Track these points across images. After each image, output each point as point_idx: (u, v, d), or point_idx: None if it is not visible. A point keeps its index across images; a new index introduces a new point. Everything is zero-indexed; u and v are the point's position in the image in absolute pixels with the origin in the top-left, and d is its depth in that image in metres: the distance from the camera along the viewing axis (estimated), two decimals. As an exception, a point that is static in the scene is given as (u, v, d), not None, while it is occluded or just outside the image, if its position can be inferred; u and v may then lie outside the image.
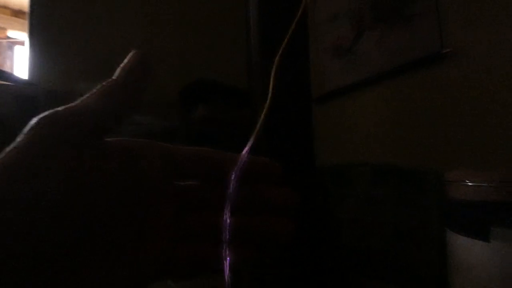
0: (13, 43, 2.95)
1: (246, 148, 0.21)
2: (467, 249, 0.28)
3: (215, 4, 1.38)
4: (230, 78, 1.09)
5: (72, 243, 0.16)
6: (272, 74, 0.25)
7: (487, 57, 0.69)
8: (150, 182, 0.20)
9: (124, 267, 0.18)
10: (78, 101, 0.19)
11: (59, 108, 0.18)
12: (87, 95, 0.19)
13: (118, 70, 0.20)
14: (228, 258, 0.20)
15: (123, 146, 0.20)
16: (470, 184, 0.28)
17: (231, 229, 0.20)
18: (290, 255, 0.58)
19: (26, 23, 1.38)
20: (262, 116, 0.23)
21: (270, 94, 0.23)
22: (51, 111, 0.17)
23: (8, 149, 0.16)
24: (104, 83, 0.19)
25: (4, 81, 1.04)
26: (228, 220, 0.20)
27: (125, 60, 0.21)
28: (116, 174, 0.18)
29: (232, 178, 0.20)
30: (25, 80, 1.16)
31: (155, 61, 0.22)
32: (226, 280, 0.19)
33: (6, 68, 2.75)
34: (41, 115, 0.17)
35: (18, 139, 0.16)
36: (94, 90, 0.19)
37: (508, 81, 0.66)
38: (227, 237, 0.20)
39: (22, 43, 2.84)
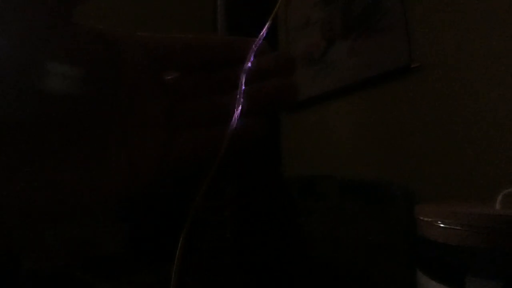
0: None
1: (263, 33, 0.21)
2: (439, 295, 0.26)
3: (182, 4, 1.34)
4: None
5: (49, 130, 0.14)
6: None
7: (454, 72, 0.69)
8: (133, 75, 0.18)
9: (113, 158, 0.17)
10: None
11: None
12: None
13: None
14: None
15: (97, 33, 0.17)
16: (442, 225, 0.26)
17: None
18: (254, 270, 0.56)
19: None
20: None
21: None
22: None
23: None
24: None
25: None
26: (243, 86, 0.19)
27: None
28: (91, 63, 0.16)
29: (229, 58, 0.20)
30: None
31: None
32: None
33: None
34: None
35: None
36: None
37: (474, 96, 0.66)
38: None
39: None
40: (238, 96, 0.19)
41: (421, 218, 0.28)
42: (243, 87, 0.20)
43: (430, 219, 0.27)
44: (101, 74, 0.17)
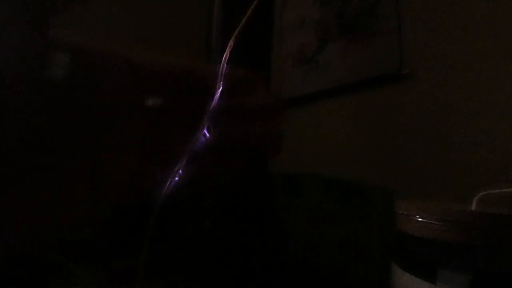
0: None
1: (224, 58, 0.19)
2: (412, 287, 0.27)
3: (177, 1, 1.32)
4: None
5: (21, 154, 0.13)
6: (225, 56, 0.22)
7: (445, 83, 0.71)
8: (110, 96, 0.17)
9: (80, 188, 0.16)
10: None
11: None
12: None
13: None
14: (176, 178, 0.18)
15: (80, 47, 0.16)
16: (420, 219, 0.27)
17: (217, 138, 0.18)
18: (232, 265, 0.56)
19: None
20: (233, 38, 0.21)
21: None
22: None
23: None
24: None
25: None
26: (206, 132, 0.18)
27: None
28: (72, 80, 0.15)
29: (215, 89, 0.19)
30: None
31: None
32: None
33: None
34: None
35: None
36: None
37: (464, 109, 0.68)
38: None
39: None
40: (200, 129, 0.18)
41: (400, 212, 0.29)
42: (213, 125, 0.19)
43: (408, 213, 0.28)
44: (75, 91, 0.16)
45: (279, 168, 0.81)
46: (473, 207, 0.28)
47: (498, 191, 0.28)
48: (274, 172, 0.77)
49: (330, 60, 0.97)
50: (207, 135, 0.18)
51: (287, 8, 1.14)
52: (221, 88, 0.19)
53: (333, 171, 0.89)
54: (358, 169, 0.84)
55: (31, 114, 0.14)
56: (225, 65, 0.19)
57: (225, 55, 0.20)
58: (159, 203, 0.18)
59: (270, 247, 0.70)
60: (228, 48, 0.20)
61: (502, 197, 0.28)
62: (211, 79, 0.19)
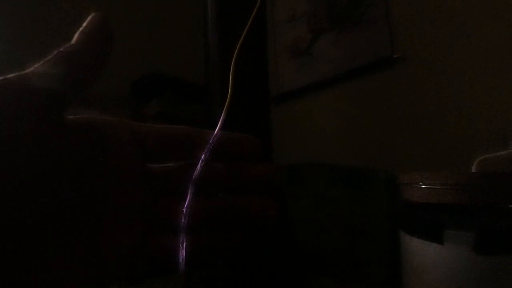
0: None
1: (218, 126, 0.19)
2: (421, 251, 0.29)
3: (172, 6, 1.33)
4: (186, 72, 1.05)
5: (21, 227, 0.14)
6: (232, 67, 0.23)
7: (435, 62, 0.73)
8: (118, 165, 0.18)
9: (83, 258, 0.16)
10: (30, 69, 0.16)
11: (10, 76, 0.15)
12: (41, 62, 0.16)
13: (76, 35, 0.17)
14: (183, 248, 0.18)
15: (87, 123, 0.17)
16: (423, 186, 0.28)
17: (207, 212, 0.19)
18: (243, 255, 0.57)
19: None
20: (224, 110, 0.21)
21: (230, 89, 0.21)
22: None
23: None
24: (60, 49, 0.17)
25: None
26: (189, 201, 0.18)
27: (84, 24, 0.18)
28: (79, 155, 0.16)
29: (202, 156, 0.18)
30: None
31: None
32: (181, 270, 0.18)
33: None
34: None
35: None
36: (50, 57, 0.16)
37: (455, 85, 0.69)
38: (185, 222, 0.18)
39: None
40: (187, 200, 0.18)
41: (404, 182, 0.31)
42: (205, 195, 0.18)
43: (411, 182, 0.29)
44: (86, 167, 0.16)
45: (281, 158, 0.83)
46: (473, 170, 0.30)
47: (494, 155, 0.30)
48: (279, 163, 0.79)
49: (324, 51, 0.99)
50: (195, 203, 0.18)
51: (277, 4, 1.16)
52: (211, 152, 0.19)
53: (335, 158, 0.91)
54: (359, 155, 0.86)
55: (43, 187, 0.14)
56: (218, 133, 0.19)
57: (221, 121, 0.19)
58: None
59: (280, 237, 0.71)
60: (224, 112, 0.20)
61: (498, 161, 0.30)
62: (214, 146, 0.19)
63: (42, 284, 0.14)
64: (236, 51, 0.25)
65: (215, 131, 0.19)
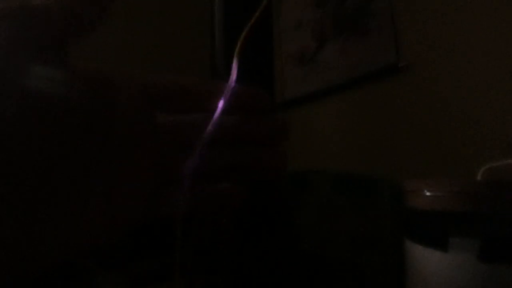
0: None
1: (233, 77, 0.19)
2: (425, 259, 0.28)
3: (179, 2, 1.34)
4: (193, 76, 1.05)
5: (31, 177, 0.13)
6: (235, 55, 0.23)
7: (441, 70, 0.73)
8: (128, 116, 0.17)
9: (95, 209, 0.16)
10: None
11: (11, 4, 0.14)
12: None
13: None
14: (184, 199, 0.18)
15: (96, 72, 0.17)
16: (428, 193, 0.28)
17: (217, 163, 0.18)
18: (246, 262, 0.57)
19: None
20: (235, 59, 0.21)
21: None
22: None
23: None
24: None
25: None
26: (198, 154, 0.18)
27: None
28: (85, 103, 0.15)
29: (217, 109, 0.18)
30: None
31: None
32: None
33: None
34: None
35: None
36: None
37: (461, 93, 0.69)
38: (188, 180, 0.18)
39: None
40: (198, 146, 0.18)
41: (409, 189, 0.31)
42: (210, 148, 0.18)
43: (416, 190, 0.29)
44: (94, 117, 0.16)
45: (289, 166, 0.83)
46: (478, 178, 0.30)
47: (499, 164, 0.30)
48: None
49: (329, 59, 0.99)
50: (203, 156, 0.18)
51: (283, 12, 1.17)
52: (224, 106, 0.19)
53: (339, 166, 0.91)
54: (364, 162, 0.86)
55: (56, 135, 0.14)
56: (232, 83, 0.19)
57: (232, 73, 0.19)
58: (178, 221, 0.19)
59: (283, 245, 0.71)
60: (234, 64, 0.20)
61: (504, 170, 0.30)
62: (219, 96, 0.19)
63: (56, 230, 0.15)
64: (238, 44, 0.25)
65: (228, 84, 0.19)
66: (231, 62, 0.27)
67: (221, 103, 0.18)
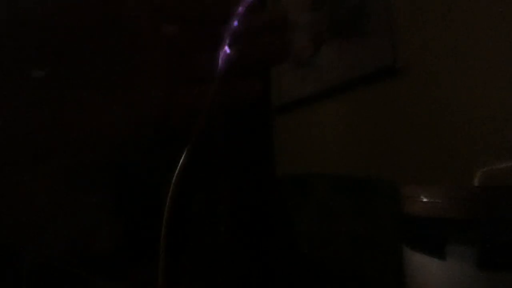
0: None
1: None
2: (423, 267, 0.28)
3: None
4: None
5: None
6: None
7: (438, 72, 0.73)
8: (134, 26, 0.19)
9: (117, 102, 0.18)
10: None
11: None
12: None
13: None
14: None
15: None
16: (425, 200, 0.28)
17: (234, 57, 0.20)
18: (245, 264, 0.56)
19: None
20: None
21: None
22: None
23: None
24: None
25: None
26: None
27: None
28: (92, 10, 0.17)
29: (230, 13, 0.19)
30: None
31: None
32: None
33: None
34: None
35: None
36: None
37: (458, 95, 0.69)
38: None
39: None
40: (220, 53, 0.20)
41: (406, 196, 0.30)
42: (230, 45, 0.20)
43: (413, 196, 0.29)
44: (102, 27, 0.18)
45: (286, 169, 0.83)
46: (476, 183, 0.30)
47: (497, 167, 0.29)
48: (282, 173, 0.79)
49: (326, 61, 0.99)
50: (228, 52, 0.20)
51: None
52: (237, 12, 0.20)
53: (338, 169, 0.90)
54: (363, 165, 0.86)
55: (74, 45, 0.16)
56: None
57: None
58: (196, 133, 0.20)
59: (283, 249, 0.70)
60: None
61: (502, 173, 0.30)
62: (224, 3, 0.20)
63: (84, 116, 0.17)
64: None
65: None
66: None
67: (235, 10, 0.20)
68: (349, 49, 0.92)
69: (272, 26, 0.21)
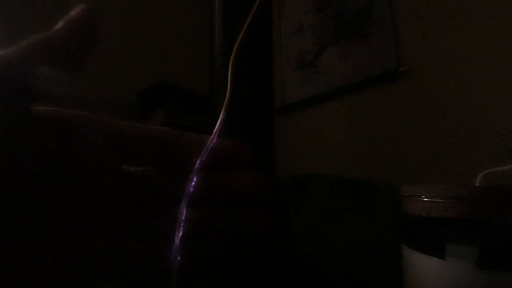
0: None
1: (214, 133, 0.18)
2: (423, 266, 0.28)
3: (178, 5, 1.35)
4: (192, 83, 1.06)
5: None
6: (230, 66, 0.23)
7: (441, 75, 0.73)
8: (92, 164, 0.17)
9: (48, 259, 0.15)
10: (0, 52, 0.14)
11: None
12: (13, 47, 0.14)
13: (60, 23, 0.16)
14: (178, 258, 0.17)
15: (59, 116, 0.16)
16: (426, 199, 0.28)
17: (193, 222, 0.17)
18: (246, 266, 0.56)
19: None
20: (223, 111, 0.20)
21: (228, 89, 0.21)
22: None
23: None
24: (39, 35, 0.15)
25: None
26: (185, 213, 0.17)
27: (70, 14, 0.16)
28: (45, 148, 0.15)
29: (196, 166, 0.17)
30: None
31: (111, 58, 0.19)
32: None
33: None
34: None
35: None
36: (25, 42, 0.15)
37: (461, 98, 0.69)
38: (181, 232, 0.17)
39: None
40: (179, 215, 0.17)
41: (406, 195, 0.30)
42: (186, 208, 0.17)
43: (413, 195, 0.29)
44: (53, 162, 0.16)
45: (287, 171, 0.83)
46: (476, 184, 0.30)
47: (497, 169, 0.29)
48: (283, 175, 0.79)
49: (329, 63, 0.99)
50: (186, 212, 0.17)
51: (284, 16, 1.17)
52: (204, 161, 0.18)
53: (339, 170, 0.90)
54: (364, 166, 0.86)
55: (10, 180, 0.14)
56: (214, 139, 0.18)
57: (216, 129, 0.18)
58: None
59: (283, 249, 0.70)
60: (219, 120, 0.19)
61: (503, 174, 0.30)
62: (196, 149, 0.18)
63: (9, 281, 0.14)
64: (234, 50, 0.25)
65: (211, 137, 0.18)
66: (229, 63, 0.26)
67: (200, 159, 0.18)
68: (352, 51, 0.93)
69: (249, 195, 0.19)
